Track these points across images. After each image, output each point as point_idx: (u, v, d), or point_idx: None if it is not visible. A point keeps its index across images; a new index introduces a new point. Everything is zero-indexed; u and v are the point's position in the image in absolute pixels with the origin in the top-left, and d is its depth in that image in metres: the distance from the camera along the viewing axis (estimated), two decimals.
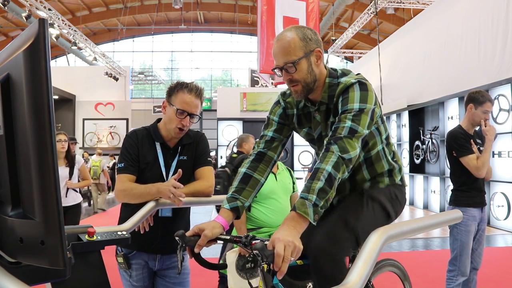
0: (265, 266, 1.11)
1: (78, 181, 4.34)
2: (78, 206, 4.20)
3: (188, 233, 1.33)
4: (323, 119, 1.54)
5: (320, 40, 1.49)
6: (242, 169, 1.55)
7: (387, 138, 1.61)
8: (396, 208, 1.58)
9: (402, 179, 1.66)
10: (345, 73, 1.52)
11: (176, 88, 1.88)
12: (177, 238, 1.31)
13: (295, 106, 1.62)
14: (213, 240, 1.35)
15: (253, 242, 1.24)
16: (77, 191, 4.18)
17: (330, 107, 1.50)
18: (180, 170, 1.78)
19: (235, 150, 4.16)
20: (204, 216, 8.12)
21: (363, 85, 1.42)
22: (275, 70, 1.47)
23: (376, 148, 1.57)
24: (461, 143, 2.81)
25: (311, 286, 1.12)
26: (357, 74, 1.52)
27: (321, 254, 1.33)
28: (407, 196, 10.82)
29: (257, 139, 1.67)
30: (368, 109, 1.39)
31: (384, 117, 1.62)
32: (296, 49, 1.42)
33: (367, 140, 1.53)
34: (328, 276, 1.32)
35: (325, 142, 1.36)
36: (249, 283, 1.27)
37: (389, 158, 1.61)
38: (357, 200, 1.52)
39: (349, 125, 1.34)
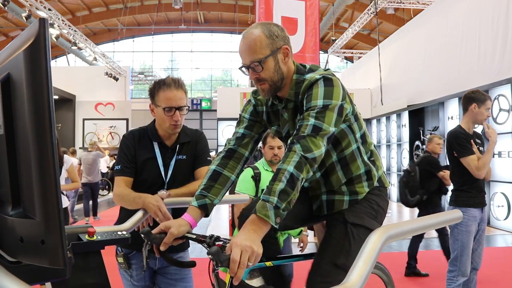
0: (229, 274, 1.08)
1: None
2: (65, 210, 4.12)
3: (154, 231, 1.32)
4: (291, 117, 1.50)
5: (287, 37, 1.44)
6: (212, 167, 1.53)
7: (363, 136, 1.53)
8: (380, 218, 1.53)
9: (380, 180, 1.57)
10: (312, 69, 1.48)
11: (155, 88, 1.87)
12: (142, 235, 1.30)
13: (264, 103, 1.59)
14: (179, 238, 1.34)
15: (217, 243, 1.22)
16: (64, 194, 4.10)
17: (298, 104, 1.46)
18: (170, 192, 1.76)
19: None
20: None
21: (328, 81, 1.36)
22: (242, 68, 1.44)
23: (350, 147, 1.50)
24: (462, 143, 2.81)
25: None
26: (325, 70, 1.46)
27: None
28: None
29: (228, 137, 1.65)
30: (334, 105, 1.33)
31: (360, 115, 1.54)
32: (262, 47, 1.38)
33: (339, 140, 1.47)
34: None
35: (289, 141, 1.32)
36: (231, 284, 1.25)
37: (365, 158, 1.53)
38: (343, 234, 1.46)
39: (312, 122, 1.29)
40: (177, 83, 1.85)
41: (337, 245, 1.44)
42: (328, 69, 1.48)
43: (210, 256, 1.07)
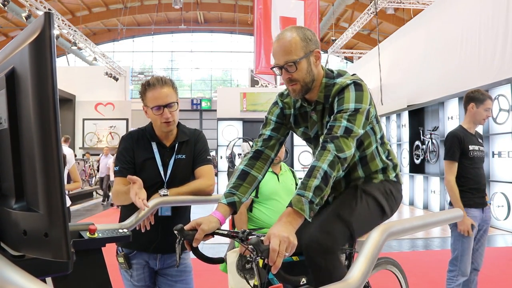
0: (261, 261, 1.15)
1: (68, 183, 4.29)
2: (67, 209, 4.09)
3: (186, 227, 1.38)
4: (319, 119, 1.59)
5: (318, 41, 1.54)
6: (240, 166, 1.61)
7: (382, 137, 1.65)
8: (391, 204, 1.60)
9: (397, 176, 1.68)
10: (340, 74, 1.57)
11: (143, 91, 1.89)
12: (176, 232, 1.36)
13: (292, 106, 1.66)
14: (210, 235, 1.40)
15: (250, 237, 1.29)
16: (66, 194, 4.05)
17: (326, 106, 1.54)
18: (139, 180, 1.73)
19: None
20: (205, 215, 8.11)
21: (358, 86, 1.46)
22: (274, 69, 1.52)
23: (370, 147, 1.61)
24: (452, 146, 2.83)
25: (305, 281, 1.16)
26: (352, 75, 1.56)
27: (313, 245, 1.36)
28: (407, 196, 10.75)
29: (255, 138, 1.72)
30: (364, 109, 1.43)
31: (379, 117, 1.66)
32: (297, 49, 1.46)
33: (362, 140, 1.58)
34: (321, 268, 1.36)
35: (321, 140, 1.40)
36: (248, 283, 1.29)
37: (383, 157, 1.64)
38: (351, 194, 1.55)
39: (345, 124, 1.38)
40: (161, 81, 1.86)
41: (344, 201, 1.53)
42: (355, 74, 1.57)
43: (250, 246, 1.14)
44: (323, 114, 1.57)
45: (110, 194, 10.71)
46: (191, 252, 2.03)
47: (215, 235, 1.42)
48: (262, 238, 1.19)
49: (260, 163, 1.61)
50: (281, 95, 1.71)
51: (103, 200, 11.05)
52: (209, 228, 1.38)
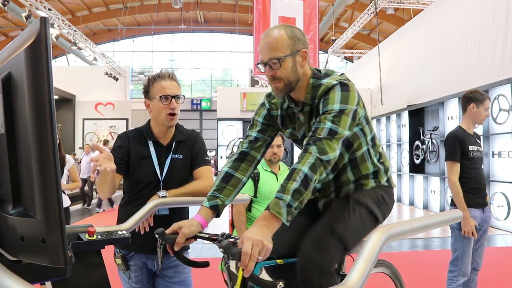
0: (241, 267, 1.12)
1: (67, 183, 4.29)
2: (67, 210, 4.10)
3: (167, 231, 1.36)
4: (307, 120, 1.54)
5: (307, 42, 1.49)
6: (224, 168, 1.57)
7: (373, 139, 1.59)
8: (383, 210, 1.56)
9: (388, 180, 1.63)
10: (328, 74, 1.52)
11: (149, 83, 1.89)
12: (156, 235, 1.34)
13: (279, 107, 1.62)
14: (191, 238, 1.38)
15: (229, 240, 1.25)
16: (65, 194, 4.08)
17: (313, 108, 1.50)
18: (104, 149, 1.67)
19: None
20: None
21: (344, 86, 1.41)
22: (259, 65, 1.48)
23: (361, 149, 1.55)
24: (453, 147, 2.83)
25: (282, 285, 1.11)
26: (340, 75, 1.50)
27: (309, 263, 1.33)
28: (407, 196, 10.73)
29: (242, 139, 1.68)
30: (349, 110, 1.37)
31: (370, 118, 1.59)
32: (283, 46, 1.42)
33: (351, 142, 1.52)
34: (315, 285, 1.33)
35: (304, 142, 1.36)
36: (227, 284, 1.27)
37: (375, 159, 1.59)
38: (343, 206, 1.50)
39: (329, 126, 1.33)
40: (171, 75, 1.91)
41: (337, 214, 1.48)
42: (343, 74, 1.52)
43: (221, 249, 1.12)
44: (311, 116, 1.52)
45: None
46: (189, 252, 2.05)
47: (197, 239, 1.40)
48: (238, 240, 1.17)
49: (245, 165, 1.57)
50: (268, 95, 1.66)
51: (88, 204, 10.24)
52: (190, 231, 1.35)
